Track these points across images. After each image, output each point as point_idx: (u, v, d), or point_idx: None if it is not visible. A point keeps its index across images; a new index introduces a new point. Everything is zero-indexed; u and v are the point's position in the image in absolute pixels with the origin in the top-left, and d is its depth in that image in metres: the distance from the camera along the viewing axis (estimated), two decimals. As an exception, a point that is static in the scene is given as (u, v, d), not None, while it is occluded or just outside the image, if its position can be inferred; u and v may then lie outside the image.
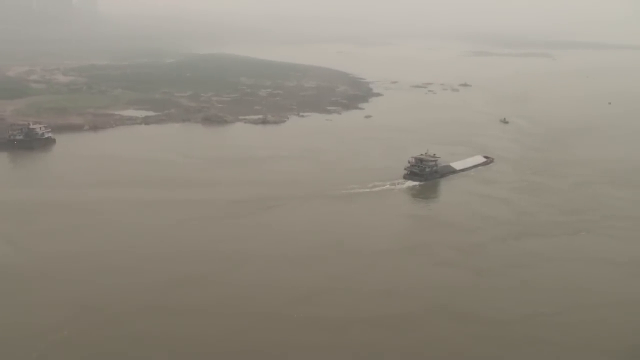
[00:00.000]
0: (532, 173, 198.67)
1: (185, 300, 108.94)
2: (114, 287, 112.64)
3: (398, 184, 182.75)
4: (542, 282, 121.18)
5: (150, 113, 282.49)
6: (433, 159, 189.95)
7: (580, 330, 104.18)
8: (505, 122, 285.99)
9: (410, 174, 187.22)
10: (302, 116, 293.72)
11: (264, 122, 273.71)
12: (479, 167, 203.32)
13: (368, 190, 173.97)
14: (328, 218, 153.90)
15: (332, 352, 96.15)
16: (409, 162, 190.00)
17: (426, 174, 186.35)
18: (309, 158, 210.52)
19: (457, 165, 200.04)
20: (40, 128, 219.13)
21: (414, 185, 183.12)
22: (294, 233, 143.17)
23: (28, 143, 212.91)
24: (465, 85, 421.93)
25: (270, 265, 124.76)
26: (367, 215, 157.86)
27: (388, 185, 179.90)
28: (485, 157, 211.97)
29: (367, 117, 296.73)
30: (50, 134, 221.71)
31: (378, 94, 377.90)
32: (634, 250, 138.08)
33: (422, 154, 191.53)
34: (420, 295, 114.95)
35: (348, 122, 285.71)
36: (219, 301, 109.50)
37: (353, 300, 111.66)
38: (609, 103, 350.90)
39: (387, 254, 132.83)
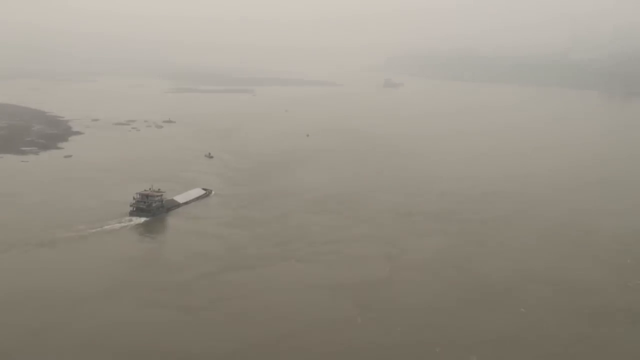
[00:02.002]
0: (241, 207, 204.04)
1: None
2: None
3: (122, 222, 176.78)
4: (250, 313, 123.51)
5: None
6: (158, 194, 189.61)
7: (289, 358, 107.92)
8: (210, 157, 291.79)
9: (137, 210, 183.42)
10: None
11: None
12: (200, 200, 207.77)
13: (76, 233, 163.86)
14: (26, 269, 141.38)
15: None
16: (134, 199, 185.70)
17: (153, 209, 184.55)
18: (3, 203, 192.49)
19: (180, 198, 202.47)
20: None
21: (141, 222, 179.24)
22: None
23: None
24: (169, 121, 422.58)
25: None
26: (74, 261, 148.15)
27: (113, 225, 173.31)
28: (204, 189, 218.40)
29: (68, 156, 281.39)
30: None
31: (78, 132, 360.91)
32: (335, 273, 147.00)
33: (146, 190, 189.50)
34: (126, 341, 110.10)
35: (47, 162, 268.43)
36: None
37: (51, 358, 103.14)
38: (307, 135, 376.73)
39: (92, 301, 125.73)
